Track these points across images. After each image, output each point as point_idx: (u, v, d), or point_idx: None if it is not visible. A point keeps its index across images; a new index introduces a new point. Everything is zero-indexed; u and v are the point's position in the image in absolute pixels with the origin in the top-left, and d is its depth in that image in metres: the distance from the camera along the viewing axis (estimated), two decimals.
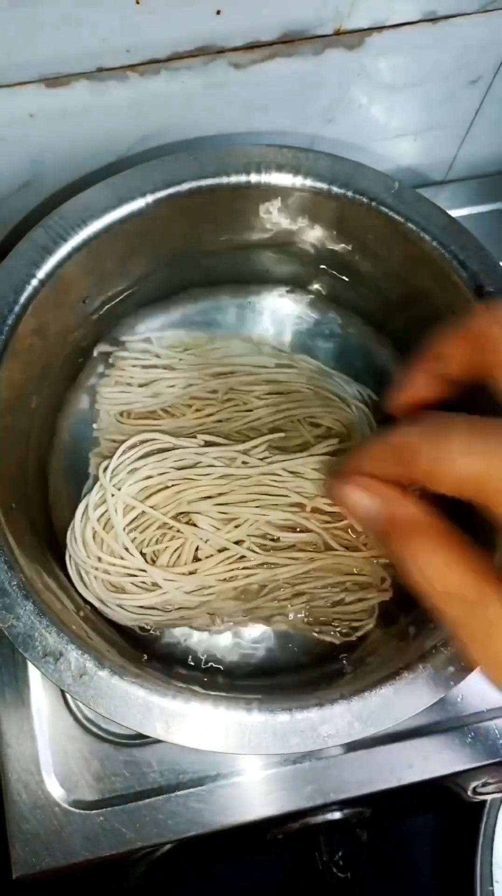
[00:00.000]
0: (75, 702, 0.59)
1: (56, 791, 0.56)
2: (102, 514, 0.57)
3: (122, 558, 0.56)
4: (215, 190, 0.59)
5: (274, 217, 0.63)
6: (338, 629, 0.59)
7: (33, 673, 0.59)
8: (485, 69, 0.66)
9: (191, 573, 0.57)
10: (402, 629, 0.56)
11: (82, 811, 0.56)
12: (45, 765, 0.57)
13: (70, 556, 0.57)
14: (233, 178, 0.59)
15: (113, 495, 0.57)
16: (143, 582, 0.57)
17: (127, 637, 0.58)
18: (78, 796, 0.56)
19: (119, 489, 0.57)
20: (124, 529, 0.57)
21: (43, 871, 0.54)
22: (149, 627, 0.58)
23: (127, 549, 0.56)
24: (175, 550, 0.58)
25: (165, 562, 0.57)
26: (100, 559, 0.56)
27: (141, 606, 0.56)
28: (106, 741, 0.58)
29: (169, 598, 0.56)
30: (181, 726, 0.45)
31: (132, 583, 0.56)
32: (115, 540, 0.56)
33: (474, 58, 0.64)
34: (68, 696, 0.59)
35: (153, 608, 0.57)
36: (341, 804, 0.58)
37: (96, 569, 0.56)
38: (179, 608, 0.57)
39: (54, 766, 0.57)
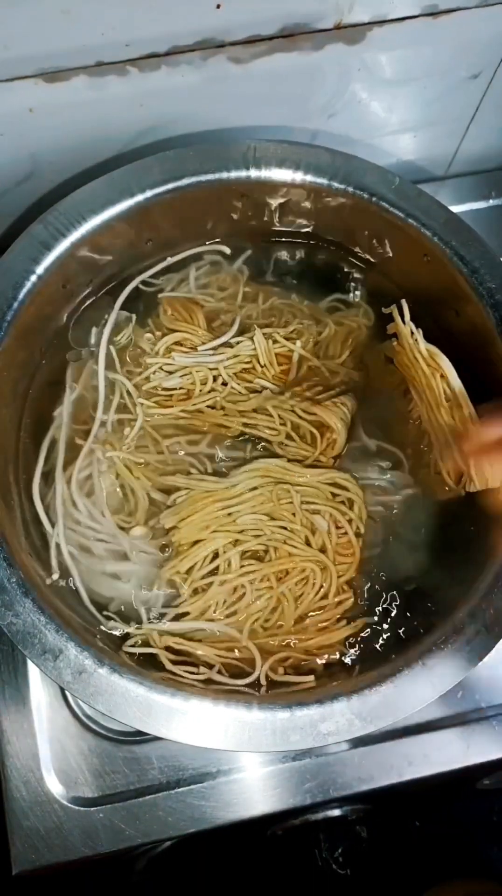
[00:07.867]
0: (75, 699, 0.59)
1: (56, 788, 0.56)
2: (86, 479, 0.57)
3: (99, 523, 0.56)
4: (215, 185, 0.59)
5: (274, 212, 0.63)
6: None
7: (33, 670, 0.59)
8: (486, 64, 0.65)
9: (164, 546, 0.56)
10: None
11: (82, 808, 0.56)
12: (44, 762, 0.57)
13: (50, 521, 0.56)
14: (234, 174, 0.59)
15: (99, 460, 0.57)
16: (115, 549, 0.56)
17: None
18: (78, 793, 0.56)
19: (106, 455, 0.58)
20: (103, 491, 0.57)
21: (42, 867, 0.54)
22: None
23: (103, 513, 0.56)
24: (152, 528, 0.57)
25: (140, 534, 0.57)
26: (78, 522, 0.56)
27: (111, 574, 0.56)
28: (105, 738, 0.58)
29: (140, 570, 0.56)
30: (181, 723, 0.45)
31: (104, 549, 0.56)
32: (94, 505, 0.56)
33: (475, 52, 0.64)
34: (68, 694, 0.59)
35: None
36: (341, 801, 0.59)
37: (73, 531, 0.56)
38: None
39: (54, 762, 0.57)
